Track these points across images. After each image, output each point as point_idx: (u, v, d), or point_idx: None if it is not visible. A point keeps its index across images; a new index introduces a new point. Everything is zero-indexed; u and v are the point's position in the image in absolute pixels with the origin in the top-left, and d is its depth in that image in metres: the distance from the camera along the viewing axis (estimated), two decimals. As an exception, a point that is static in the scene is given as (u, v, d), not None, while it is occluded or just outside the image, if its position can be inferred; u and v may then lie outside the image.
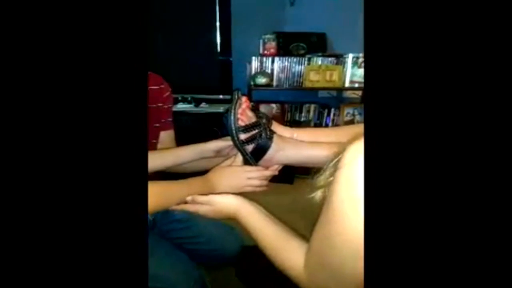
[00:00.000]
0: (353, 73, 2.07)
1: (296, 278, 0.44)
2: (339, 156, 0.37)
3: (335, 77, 2.06)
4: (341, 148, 0.40)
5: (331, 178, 0.39)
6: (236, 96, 0.59)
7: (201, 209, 0.59)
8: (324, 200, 0.40)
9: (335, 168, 0.38)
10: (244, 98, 0.59)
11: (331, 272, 0.37)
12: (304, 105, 2.27)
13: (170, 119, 0.94)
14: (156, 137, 0.91)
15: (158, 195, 0.57)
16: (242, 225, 0.55)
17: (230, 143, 0.62)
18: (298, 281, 0.43)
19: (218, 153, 0.71)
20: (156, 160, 0.70)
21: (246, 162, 0.64)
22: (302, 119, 2.28)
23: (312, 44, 2.14)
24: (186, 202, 0.60)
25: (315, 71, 2.07)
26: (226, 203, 0.57)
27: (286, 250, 0.47)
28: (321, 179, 0.42)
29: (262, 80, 2.05)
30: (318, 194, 0.42)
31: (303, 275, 0.42)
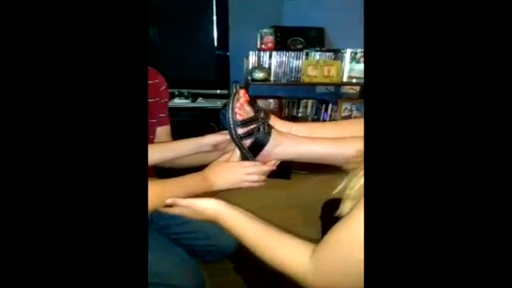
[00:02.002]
0: (351, 68, 2.06)
1: (297, 274, 0.43)
2: None
3: (333, 72, 2.06)
4: None
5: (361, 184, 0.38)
6: (234, 90, 0.59)
7: (183, 211, 0.59)
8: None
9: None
10: (242, 92, 0.59)
11: (347, 271, 0.36)
12: (301, 100, 2.26)
13: (166, 114, 0.93)
14: (153, 132, 0.90)
15: (155, 194, 0.56)
16: (225, 228, 0.55)
17: (228, 137, 0.61)
18: (299, 277, 0.42)
19: (216, 147, 0.70)
20: (153, 154, 0.70)
21: (244, 157, 0.63)
22: (300, 114, 2.28)
23: (310, 39, 2.13)
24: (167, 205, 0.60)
25: (313, 66, 2.06)
26: (206, 207, 0.57)
27: (284, 247, 0.46)
28: (355, 188, 0.40)
29: (259, 75, 2.04)
30: (347, 206, 0.41)
31: (307, 269, 0.41)
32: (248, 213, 0.55)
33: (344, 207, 0.41)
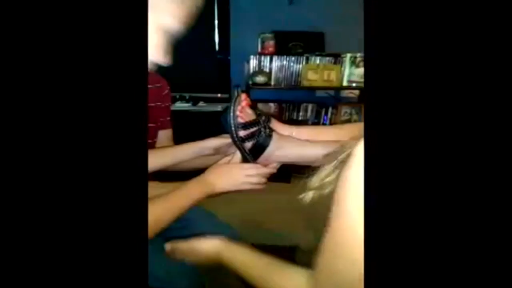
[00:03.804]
0: (350, 72, 2.07)
1: None
2: (340, 157, 0.35)
3: (332, 76, 2.07)
4: (337, 147, 0.39)
5: (327, 179, 0.37)
6: (236, 94, 0.59)
7: (185, 257, 0.59)
8: (315, 201, 0.39)
9: (335, 168, 0.37)
10: (243, 96, 0.59)
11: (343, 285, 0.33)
12: (301, 104, 2.27)
13: (168, 118, 0.94)
14: (154, 136, 0.90)
15: (160, 213, 0.57)
16: (227, 266, 0.53)
17: (229, 140, 0.61)
18: None
19: (217, 150, 0.70)
20: (154, 160, 0.70)
21: (245, 159, 0.63)
22: (300, 118, 2.28)
23: (310, 43, 2.14)
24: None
25: (313, 71, 2.07)
26: (206, 250, 0.56)
27: (282, 278, 0.45)
28: (315, 180, 0.40)
29: (260, 79, 2.05)
30: (309, 195, 0.41)
31: None
32: (246, 247, 0.53)
33: (307, 198, 0.41)
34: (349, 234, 0.31)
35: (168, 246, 0.60)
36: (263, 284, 0.47)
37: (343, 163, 0.32)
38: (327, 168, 0.38)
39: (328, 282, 0.36)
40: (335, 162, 0.37)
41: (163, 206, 0.58)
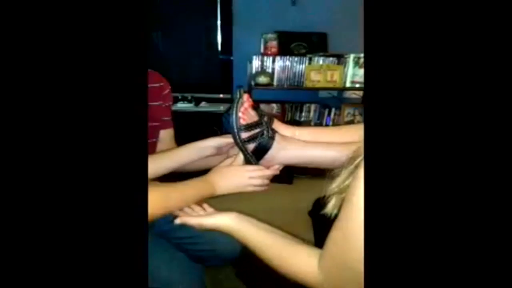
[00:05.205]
0: (354, 73, 2.07)
1: (309, 282, 0.43)
2: (357, 161, 0.37)
3: (336, 77, 2.06)
4: (354, 153, 0.40)
5: (347, 182, 0.39)
6: (238, 95, 0.59)
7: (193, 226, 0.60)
8: (337, 207, 0.40)
9: (350, 172, 0.38)
10: (246, 97, 0.59)
11: (350, 273, 0.36)
12: (304, 105, 2.26)
13: (169, 118, 0.93)
14: (156, 135, 0.90)
15: (158, 201, 0.56)
16: (238, 240, 0.55)
17: (230, 140, 0.61)
18: (311, 285, 0.43)
19: (218, 150, 0.70)
20: (156, 165, 0.69)
21: (247, 161, 0.63)
22: (303, 119, 2.28)
23: (313, 43, 2.14)
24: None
25: (316, 71, 2.06)
26: (217, 226, 0.58)
27: (294, 256, 0.46)
28: (334, 186, 0.41)
29: (263, 79, 2.05)
30: (332, 202, 0.42)
31: (318, 278, 0.41)
32: (259, 223, 0.55)
33: (330, 204, 0.42)
34: (356, 228, 0.33)
35: (177, 221, 0.59)
36: (271, 260, 0.49)
37: (357, 168, 0.33)
38: (344, 173, 0.40)
39: (335, 270, 0.39)
40: (351, 167, 0.39)
41: (159, 198, 0.57)
